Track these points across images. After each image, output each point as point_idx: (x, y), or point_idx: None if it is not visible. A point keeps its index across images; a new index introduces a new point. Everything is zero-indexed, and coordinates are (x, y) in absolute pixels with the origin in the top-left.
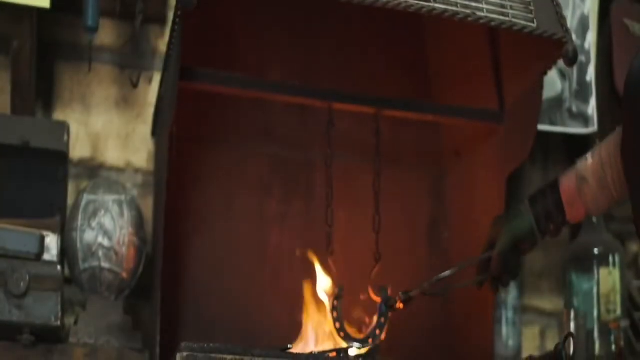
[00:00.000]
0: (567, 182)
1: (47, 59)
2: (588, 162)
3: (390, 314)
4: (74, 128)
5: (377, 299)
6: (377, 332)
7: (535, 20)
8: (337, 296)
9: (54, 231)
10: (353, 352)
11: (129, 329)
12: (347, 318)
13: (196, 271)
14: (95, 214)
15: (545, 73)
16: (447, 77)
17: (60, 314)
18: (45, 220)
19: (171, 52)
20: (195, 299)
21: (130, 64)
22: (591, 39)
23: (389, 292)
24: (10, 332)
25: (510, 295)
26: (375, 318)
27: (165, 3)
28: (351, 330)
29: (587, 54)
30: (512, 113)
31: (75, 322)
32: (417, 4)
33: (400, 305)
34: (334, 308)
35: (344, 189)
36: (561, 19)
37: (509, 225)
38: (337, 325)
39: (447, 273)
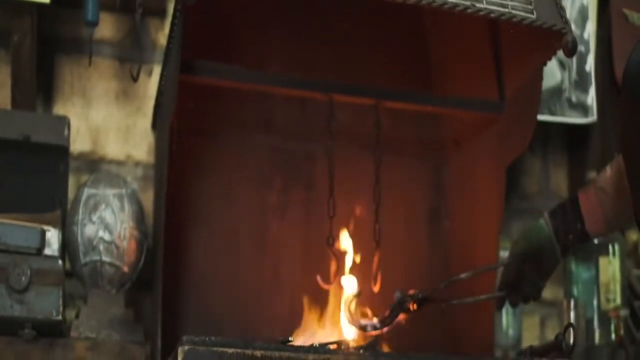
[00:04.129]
0: (587, 194)
1: (47, 53)
2: (607, 173)
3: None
4: (74, 122)
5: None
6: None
7: (534, 12)
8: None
9: (54, 225)
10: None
11: (130, 322)
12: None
13: (197, 263)
14: (95, 207)
15: (544, 64)
16: (447, 68)
17: (61, 308)
18: (46, 215)
19: (171, 45)
20: (196, 291)
21: (130, 57)
22: (590, 29)
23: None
24: (12, 327)
25: None
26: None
27: None
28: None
29: (587, 43)
30: (512, 103)
31: (77, 316)
32: None
33: (413, 307)
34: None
35: (345, 180)
36: (560, 10)
37: (524, 231)
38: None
39: (463, 276)
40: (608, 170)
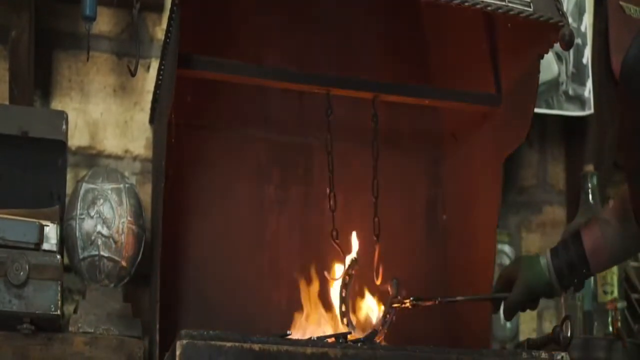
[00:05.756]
0: (590, 229)
1: (45, 48)
2: (609, 205)
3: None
4: (72, 116)
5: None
6: (381, 328)
7: (531, 4)
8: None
9: (53, 220)
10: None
11: (128, 316)
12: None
13: (195, 257)
14: (94, 202)
15: (541, 56)
16: (445, 61)
17: (59, 303)
18: (45, 210)
19: (169, 40)
20: (194, 285)
21: (128, 51)
22: (587, 22)
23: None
24: (11, 322)
25: None
26: (381, 310)
27: None
28: (354, 318)
29: (584, 36)
30: (509, 96)
31: (75, 311)
32: None
33: (407, 305)
34: (342, 298)
35: (342, 173)
36: (557, 3)
37: (524, 274)
38: (343, 309)
39: (460, 298)
40: (610, 203)
